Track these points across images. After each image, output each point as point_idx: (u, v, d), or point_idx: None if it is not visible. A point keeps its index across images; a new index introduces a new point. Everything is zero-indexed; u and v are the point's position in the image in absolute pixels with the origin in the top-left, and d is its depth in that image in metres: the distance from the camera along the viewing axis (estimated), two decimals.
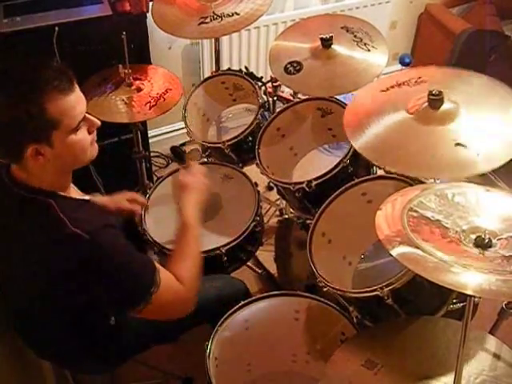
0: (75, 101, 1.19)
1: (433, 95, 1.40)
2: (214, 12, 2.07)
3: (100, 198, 1.65)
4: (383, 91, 1.55)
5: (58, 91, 1.15)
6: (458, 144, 1.32)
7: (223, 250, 1.73)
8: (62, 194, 1.26)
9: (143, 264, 1.27)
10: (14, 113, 1.12)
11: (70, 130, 1.19)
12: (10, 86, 1.14)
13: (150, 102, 1.99)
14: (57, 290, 1.25)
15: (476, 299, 1.27)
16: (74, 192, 1.38)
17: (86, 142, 1.25)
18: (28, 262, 1.26)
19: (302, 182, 1.73)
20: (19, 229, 1.25)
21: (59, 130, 1.17)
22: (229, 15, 2.05)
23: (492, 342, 1.27)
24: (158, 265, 1.29)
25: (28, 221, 1.23)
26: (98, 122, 1.28)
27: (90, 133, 1.27)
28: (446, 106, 1.40)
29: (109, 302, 1.29)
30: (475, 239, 1.06)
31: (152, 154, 2.87)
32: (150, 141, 2.79)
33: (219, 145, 2.00)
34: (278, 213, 2.50)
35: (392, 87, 1.54)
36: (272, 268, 2.23)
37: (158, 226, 1.85)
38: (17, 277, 1.33)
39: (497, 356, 1.23)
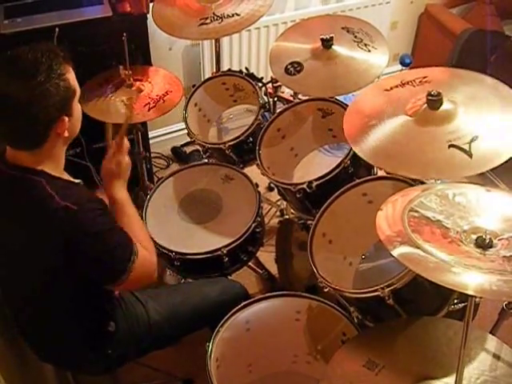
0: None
1: (431, 96, 1.40)
2: (214, 13, 2.07)
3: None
4: (387, 90, 1.55)
5: (67, 61, 1.24)
6: (451, 146, 1.32)
7: (224, 251, 1.73)
8: (54, 174, 1.28)
9: (124, 235, 1.33)
10: (43, 90, 1.17)
11: (78, 96, 1.29)
12: (31, 66, 1.18)
13: (149, 103, 2.00)
14: (52, 271, 1.27)
15: (477, 299, 1.27)
16: (66, 176, 1.40)
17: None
18: (22, 243, 1.28)
19: (302, 183, 1.73)
20: (10, 209, 1.28)
21: (75, 96, 1.27)
22: (229, 16, 2.05)
23: (493, 343, 1.27)
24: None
25: (18, 199, 1.26)
26: None
27: None
28: (445, 106, 1.41)
29: (100, 274, 1.31)
30: (476, 239, 1.06)
31: (153, 155, 2.86)
32: (151, 142, 2.79)
33: (220, 145, 2.00)
34: (278, 213, 2.51)
35: (396, 86, 1.55)
36: (273, 269, 2.23)
37: (159, 226, 1.85)
38: (14, 263, 1.35)
39: (497, 356, 1.23)
